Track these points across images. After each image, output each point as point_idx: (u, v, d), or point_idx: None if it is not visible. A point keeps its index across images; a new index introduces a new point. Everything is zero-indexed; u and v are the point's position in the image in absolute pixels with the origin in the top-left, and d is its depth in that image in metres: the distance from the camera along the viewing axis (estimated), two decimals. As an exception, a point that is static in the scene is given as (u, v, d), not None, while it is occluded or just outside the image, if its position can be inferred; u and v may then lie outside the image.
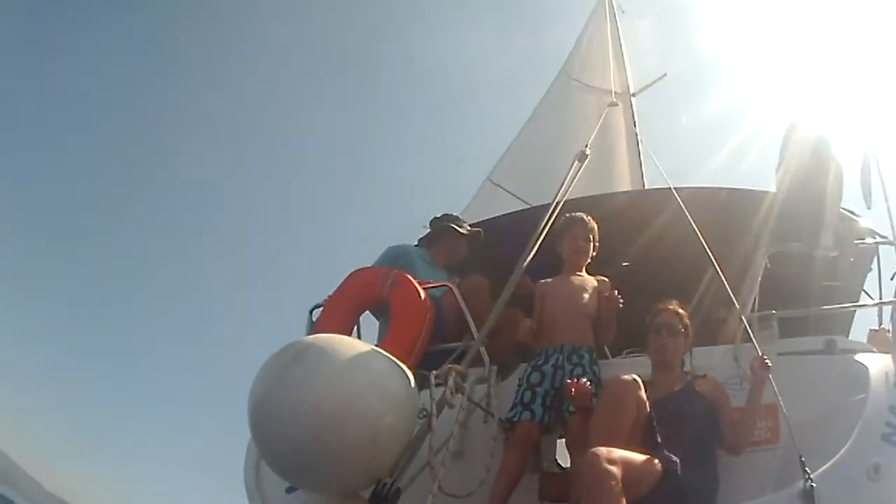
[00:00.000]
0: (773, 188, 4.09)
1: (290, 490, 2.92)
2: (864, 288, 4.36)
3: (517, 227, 4.19)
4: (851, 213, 4.01)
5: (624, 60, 11.77)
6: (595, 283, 3.66)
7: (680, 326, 3.15)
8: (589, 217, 3.84)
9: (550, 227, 3.76)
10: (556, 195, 4.15)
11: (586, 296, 3.56)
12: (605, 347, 3.77)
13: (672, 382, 3.05)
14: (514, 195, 9.13)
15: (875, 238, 3.97)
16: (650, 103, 11.61)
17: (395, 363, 2.83)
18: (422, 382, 2.96)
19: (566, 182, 4.40)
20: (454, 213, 4.72)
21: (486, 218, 5.06)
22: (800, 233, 3.63)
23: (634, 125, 11.30)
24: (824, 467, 2.61)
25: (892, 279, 3.94)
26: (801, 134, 3.84)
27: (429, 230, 4.55)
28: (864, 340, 3.86)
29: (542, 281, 3.70)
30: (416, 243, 4.65)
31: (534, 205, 9.20)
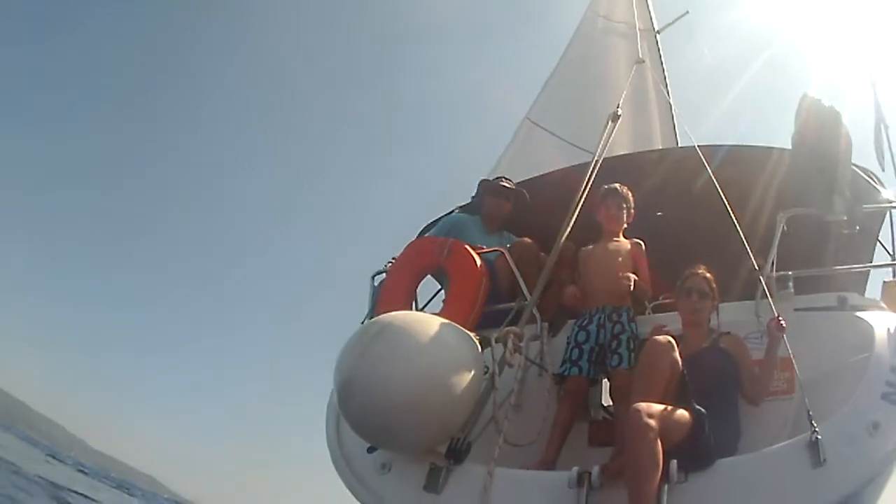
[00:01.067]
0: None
1: (370, 450, 3.41)
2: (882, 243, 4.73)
3: (558, 187, 4.66)
4: (871, 176, 4.38)
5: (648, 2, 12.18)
6: (629, 247, 4.11)
7: (708, 289, 3.61)
8: (623, 187, 4.26)
9: (589, 187, 4.22)
10: (595, 155, 4.60)
11: (621, 260, 4.02)
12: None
13: (700, 339, 3.53)
14: (551, 133, 9.57)
15: (888, 201, 4.34)
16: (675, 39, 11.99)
17: (462, 332, 3.33)
18: (484, 343, 3.48)
19: (602, 142, 4.83)
20: (498, 175, 5.18)
21: (529, 178, 5.42)
22: (812, 197, 3.99)
23: (661, 60, 11.66)
24: (829, 421, 2.95)
25: None
26: (813, 104, 4.13)
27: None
28: (879, 293, 4.22)
29: (584, 248, 4.16)
30: (460, 206, 5.15)
31: (569, 141, 9.64)
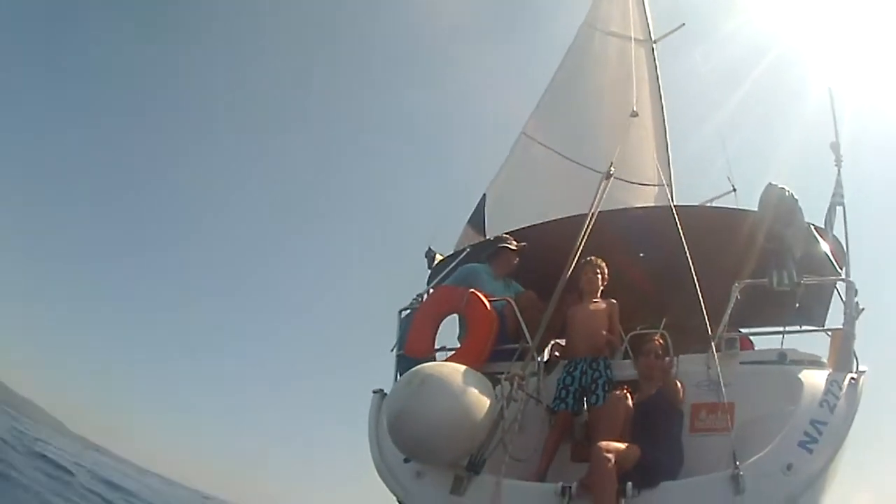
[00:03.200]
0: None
1: (406, 461, 4.65)
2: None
3: (555, 236, 5.86)
4: (831, 251, 5.54)
5: (645, 9, 12.92)
6: (605, 307, 5.37)
7: (661, 352, 4.82)
8: (598, 260, 5.50)
9: (584, 241, 5.40)
10: (590, 210, 5.81)
11: (598, 319, 5.28)
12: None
13: (652, 388, 4.73)
14: (547, 147, 10.52)
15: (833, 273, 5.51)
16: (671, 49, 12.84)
17: (480, 378, 4.54)
18: (494, 379, 4.68)
19: (596, 200, 6.01)
20: (506, 233, 6.34)
21: (530, 225, 6.60)
22: (765, 270, 5.16)
23: (656, 70, 12.59)
24: (751, 459, 4.00)
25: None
26: (774, 192, 5.30)
27: (490, 244, 6.20)
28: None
29: (571, 308, 5.36)
30: (472, 245, 6.34)
31: (565, 155, 10.54)
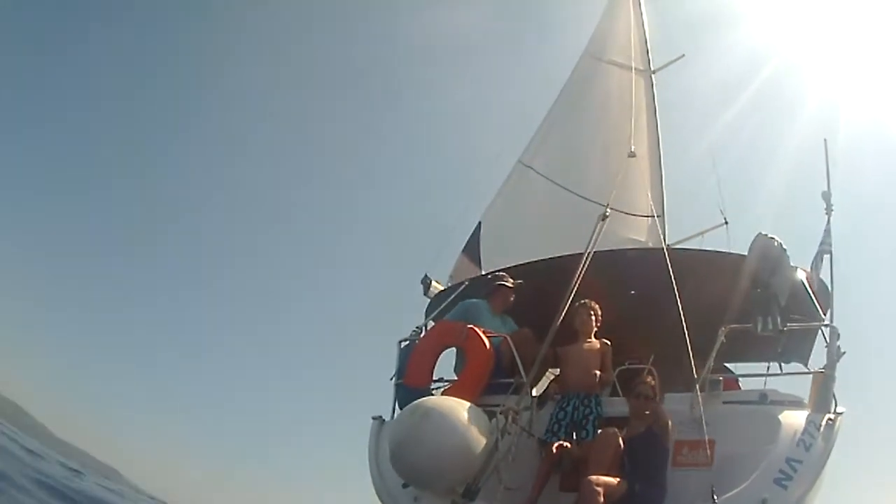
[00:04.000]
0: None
1: (405, 486, 4.95)
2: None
3: (550, 273, 6.20)
4: (815, 297, 5.92)
5: (646, 40, 13.31)
6: (598, 347, 5.71)
7: (651, 394, 5.13)
8: (592, 303, 5.84)
9: (579, 281, 5.74)
10: (586, 250, 6.14)
11: (592, 358, 5.62)
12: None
13: (640, 426, 5.05)
14: (544, 176, 10.87)
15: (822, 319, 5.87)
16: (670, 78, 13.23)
17: (477, 412, 4.87)
18: (490, 413, 5.02)
19: (592, 240, 6.35)
20: (500, 271, 6.73)
21: (527, 262, 6.98)
22: (750, 315, 5.53)
23: (654, 100, 12.98)
24: (728, 494, 4.38)
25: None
26: (762, 243, 5.69)
27: (488, 281, 6.53)
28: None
29: (565, 348, 5.71)
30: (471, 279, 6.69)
31: (561, 185, 10.84)
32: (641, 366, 6.35)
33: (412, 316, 7.43)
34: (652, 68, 13.18)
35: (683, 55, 13.40)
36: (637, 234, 11.04)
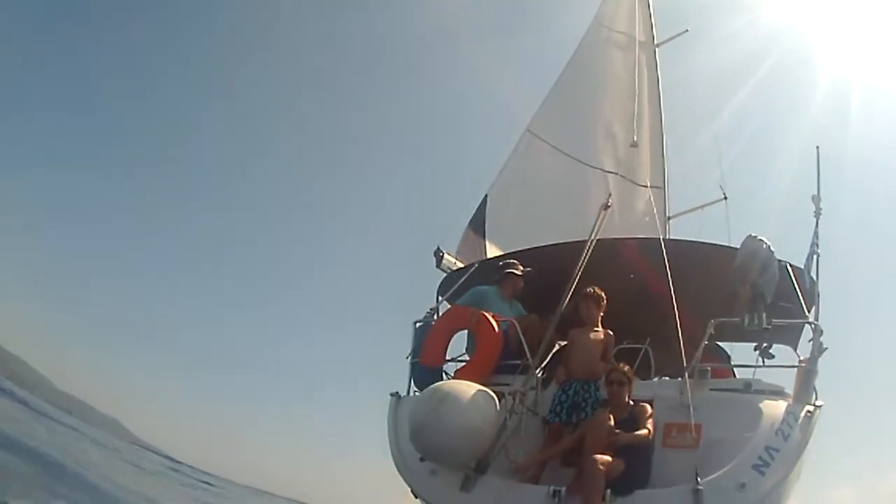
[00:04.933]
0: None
1: (422, 459, 5.53)
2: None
3: (555, 260, 6.73)
4: (802, 294, 6.42)
5: (650, 14, 13.67)
6: (602, 337, 6.18)
7: (625, 380, 5.65)
8: (598, 291, 6.27)
9: (582, 269, 6.26)
10: (590, 237, 6.66)
11: (595, 347, 6.11)
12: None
13: (623, 410, 5.55)
14: (551, 145, 11.34)
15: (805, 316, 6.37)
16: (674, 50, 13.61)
17: (488, 394, 5.41)
18: (499, 394, 5.59)
19: (594, 229, 6.87)
20: (510, 257, 7.24)
21: (533, 247, 7.49)
22: (738, 310, 6.07)
23: (657, 73, 13.38)
24: (711, 477, 4.85)
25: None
26: (752, 244, 6.20)
27: (499, 268, 7.06)
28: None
29: (572, 330, 6.20)
30: (481, 261, 7.22)
31: (568, 153, 11.27)
32: (638, 346, 6.99)
33: (425, 288, 8.05)
34: (655, 41, 13.70)
35: (687, 30, 13.96)
36: (639, 202, 11.58)
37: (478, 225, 9.87)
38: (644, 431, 5.28)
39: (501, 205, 10.28)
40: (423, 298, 7.66)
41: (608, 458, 5.07)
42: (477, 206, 10.11)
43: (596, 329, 6.26)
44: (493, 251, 9.36)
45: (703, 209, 12.17)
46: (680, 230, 12.19)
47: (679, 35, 13.63)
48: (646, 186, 11.91)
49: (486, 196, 10.26)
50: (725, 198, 11.88)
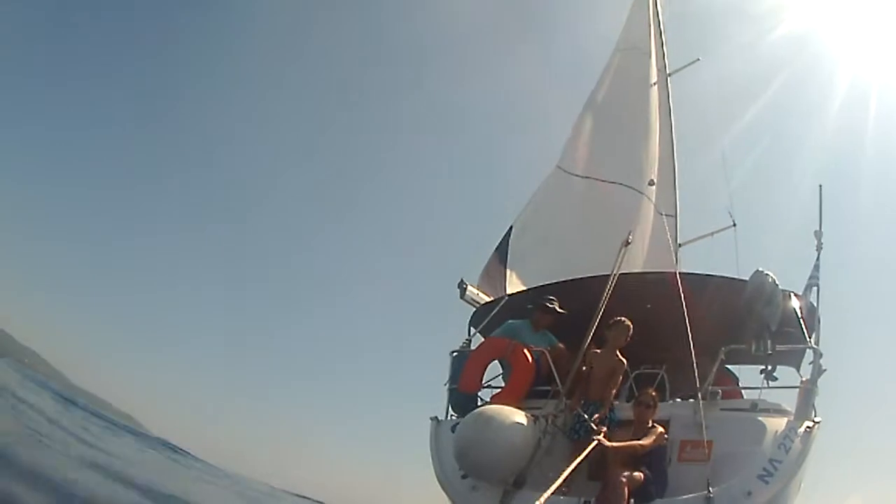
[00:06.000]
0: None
1: (464, 476, 6.26)
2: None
3: (580, 293, 7.49)
4: (802, 325, 7.10)
5: (663, 42, 14.35)
6: (617, 363, 6.75)
7: (652, 403, 6.35)
8: (627, 322, 6.87)
9: (606, 302, 7.01)
10: (612, 271, 7.41)
11: (611, 370, 6.70)
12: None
13: (643, 430, 6.25)
14: (581, 176, 12.25)
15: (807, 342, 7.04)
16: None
17: (525, 417, 6.15)
18: (533, 417, 6.33)
19: (617, 264, 7.63)
20: (540, 290, 8.04)
21: (561, 281, 8.27)
22: (748, 338, 6.82)
23: (669, 102, 14.08)
24: (720, 486, 5.56)
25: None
26: (758, 279, 6.92)
27: (532, 301, 7.86)
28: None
29: (593, 355, 6.84)
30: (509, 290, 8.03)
31: (592, 176, 11.97)
32: (655, 371, 7.72)
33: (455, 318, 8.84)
34: (668, 71, 14.39)
35: (699, 59, 14.60)
36: (653, 229, 12.31)
37: (501, 254, 10.57)
38: (641, 441, 6.08)
39: (524, 235, 11.00)
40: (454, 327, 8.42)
41: (629, 472, 5.78)
42: (501, 236, 10.85)
43: (615, 355, 6.83)
44: (512, 279, 10.10)
45: (714, 236, 12.87)
46: (691, 255, 12.96)
47: (691, 64, 14.30)
48: (661, 214, 12.67)
49: (510, 227, 10.99)
50: (734, 224, 12.55)
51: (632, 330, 6.93)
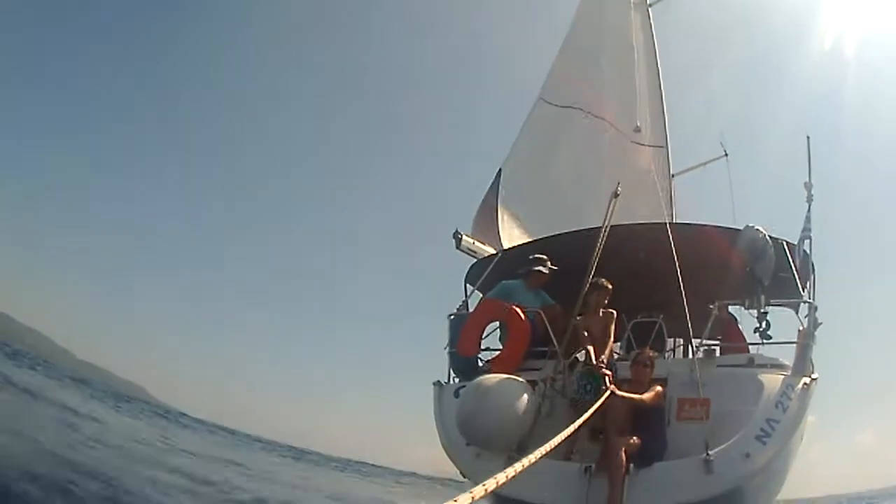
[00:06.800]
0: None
1: (468, 444, 6.29)
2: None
3: (572, 248, 7.46)
4: (796, 277, 7.03)
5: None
6: (608, 319, 6.70)
7: (649, 363, 6.33)
8: (605, 282, 6.81)
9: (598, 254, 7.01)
10: (604, 224, 7.39)
11: (604, 327, 6.64)
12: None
13: (641, 389, 6.21)
14: (563, 105, 12.13)
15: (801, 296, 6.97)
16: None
17: (525, 385, 6.19)
18: (531, 378, 6.38)
19: (607, 216, 7.57)
20: (530, 247, 7.98)
21: (552, 235, 8.22)
22: (741, 293, 6.83)
23: (652, 33, 13.85)
24: (719, 447, 5.52)
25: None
26: (749, 234, 6.88)
27: (526, 262, 7.77)
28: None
29: (584, 319, 6.77)
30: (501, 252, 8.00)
31: (575, 106, 11.87)
32: (652, 320, 7.74)
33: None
34: (648, 2, 14.23)
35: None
36: (643, 161, 12.24)
37: (491, 197, 10.51)
38: (646, 395, 6.10)
39: (514, 175, 10.92)
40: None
41: (626, 438, 5.81)
42: (491, 181, 10.74)
43: (602, 313, 6.79)
44: (504, 225, 10.06)
45: (706, 166, 12.81)
46: (683, 187, 12.92)
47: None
48: (648, 146, 12.59)
49: (499, 170, 10.88)
50: (726, 154, 12.49)
51: (610, 291, 6.86)
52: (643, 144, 12.60)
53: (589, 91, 12.60)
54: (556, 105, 12.24)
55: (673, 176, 12.83)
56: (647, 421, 6.08)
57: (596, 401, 6.48)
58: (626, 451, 5.74)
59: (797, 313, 7.52)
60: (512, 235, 9.87)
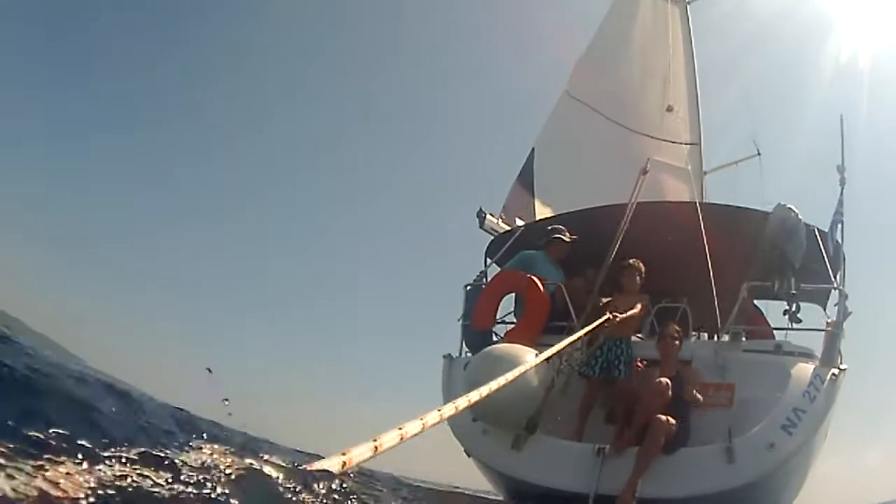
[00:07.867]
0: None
1: (474, 419, 5.95)
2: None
3: (597, 222, 7.22)
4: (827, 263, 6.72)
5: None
6: (640, 305, 6.34)
7: (678, 337, 6.02)
8: (638, 263, 6.51)
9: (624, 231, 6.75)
10: (630, 201, 7.11)
11: (632, 306, 6.27)
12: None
13: (670, 368, 5.92)
14: (589, 105, 11.80)
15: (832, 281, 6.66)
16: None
17: (540, 357, 5.93)
18: (549, 357, 6.08)
19: (634, 193, 7.30)
20: (554, 220, 7.69)
21: (576, 210, 7.92)
22: (771, 275, 6.51)
23: (689, 30, 13.61)
24: (742, 436, 5.26)
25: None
26: (781, 212, 6.58)
27: (545, 232, 7.49)
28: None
29: (615, 297, 6.50)
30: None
31: (603, 113, 11.70)
32: (677, 304, 7.42)
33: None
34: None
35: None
36: (676, 159, 11.94)
37: (526, 177, 10.26)
38: (700, 398, 5.76)
39: (548, 162, 10.63)
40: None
41: (671, 420, 5.45)
42: (524, 161, 10.47)
43: (632, 296, 6.50)
44: (540, 207, 9.80)
45: (738, 164, 12.48)
46: (715, 185, 12.59)
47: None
48: (682, 143, 12.31)
49: (532, 150, 10.61)
50: (759, 153, 12.16)
51: (643, 269, 6.58)
52: (673, 142, 12.33)
53: (616, 97, 12.34)
54: (585, 104, 11.96)
55: (705, 174, 12.52)
56: (677, 404, 5.74)
57: (627, 377, 6.28)
58: (667, 433, 5.42)
59: (824, 308, 7.40)
60: (546, 213, 9.60)
